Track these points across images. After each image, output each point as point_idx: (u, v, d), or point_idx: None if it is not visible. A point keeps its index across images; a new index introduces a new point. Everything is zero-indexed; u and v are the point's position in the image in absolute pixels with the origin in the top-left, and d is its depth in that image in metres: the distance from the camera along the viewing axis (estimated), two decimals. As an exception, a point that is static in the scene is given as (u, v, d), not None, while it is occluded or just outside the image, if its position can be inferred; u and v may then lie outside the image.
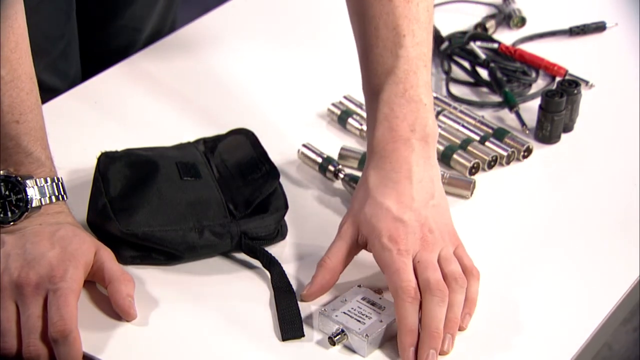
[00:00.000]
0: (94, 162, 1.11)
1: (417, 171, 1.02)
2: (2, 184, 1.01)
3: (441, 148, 1.21)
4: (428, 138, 1.04)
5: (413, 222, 1.00)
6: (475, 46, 1.39)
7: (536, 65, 1.37)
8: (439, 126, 1.25)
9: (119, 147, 1.14)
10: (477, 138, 1.24)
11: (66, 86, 1.31)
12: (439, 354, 0.96)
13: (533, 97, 1.32)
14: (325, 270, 1.02)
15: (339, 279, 1.02)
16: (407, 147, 1.03)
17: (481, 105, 1.32)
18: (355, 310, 0.99)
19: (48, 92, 1.26)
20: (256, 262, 1.06)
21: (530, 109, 1.29)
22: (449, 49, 1.39)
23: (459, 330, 0.98)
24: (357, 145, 1.23)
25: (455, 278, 0.98)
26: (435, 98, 1.31)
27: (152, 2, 1.45)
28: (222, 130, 1.19)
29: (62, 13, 1.32)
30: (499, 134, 1.25)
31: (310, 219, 1.13)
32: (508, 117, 1.30)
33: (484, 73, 1.36)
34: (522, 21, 1.48)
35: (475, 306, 1.00)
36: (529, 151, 1.24)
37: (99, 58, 1.42)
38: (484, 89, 1.35)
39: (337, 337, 0.97)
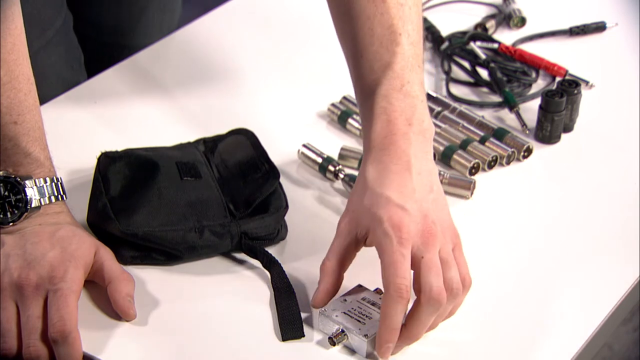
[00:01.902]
0: (94, 162, 1.11)
1: (416, 163, 1.01)
2: (1, 184, 1.01)
3: (441, 148, 1.21)
4: (425, 133, 1.03)
5: (416, 212, 0.98)
6: (475, 46, 1.39)
7: (536, 65, 1.37)
8: (439, 126, 1.25)
9: (119, 147, 1.14)
10: (477, 138, 1.24)
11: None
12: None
13: (533, 97, 1.32)
14: (327, 273, 1.01)
15: (343, 279, 1.01)
16: (405, 140, 1.02)
17: (481, 105, 1.32)
18: (355, 310, 0.99)
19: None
20: (256, 262, 1.06)
21: (530, 109, 1.29)
22: (449, 49, 1.39)
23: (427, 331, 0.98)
24: (357, 145, 1.23)
25: (452, 288, 0.97)
26: (435, 98, 1.31)
27: (157, 19, 1.46)
28: (222, 130, 1.19)
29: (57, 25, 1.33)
30: (499, 134, 1.25)
31: (310, 219, 1.13)
32: (508, 117, 1.30)
33: (484, 73, 1.36)
34: (522, 21, 1.48)
35: (451, 316, 1.00)
36: (529, 151, 1.24)
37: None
38: (484, 89, 1.35)
39: (337, 337, 0.97)
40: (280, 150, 1.20)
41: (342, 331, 0.97)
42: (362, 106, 1.06)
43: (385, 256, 0.96)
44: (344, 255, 1.01)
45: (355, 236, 1.00)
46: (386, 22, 1.05)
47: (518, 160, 1.24)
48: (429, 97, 1.31)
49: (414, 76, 1.04)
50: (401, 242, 0.96)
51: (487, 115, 1.30)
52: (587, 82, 1.35)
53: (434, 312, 0.96)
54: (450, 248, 1.00)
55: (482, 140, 1.24)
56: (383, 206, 0.98)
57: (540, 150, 1.25)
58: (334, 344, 0.97)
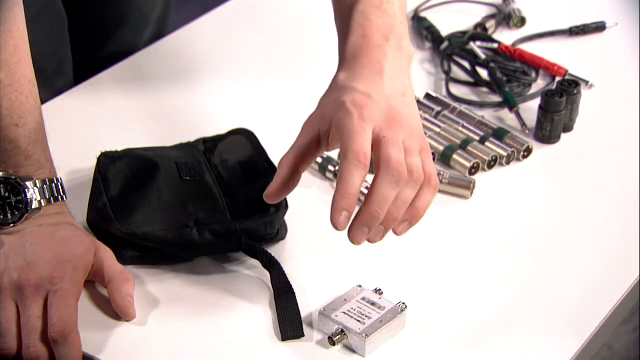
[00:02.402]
0: (94, 162, 1.11)
1: (389, 71, 0.96)
2: (1, 185, 1.01)
3: (441, 148, 1.21)
4: (403, 51, 0.99)
5: (381, 100, 0.93)
6: (475, 46, 1.39)
7: (536, 65, 1.37)
8: (439, 126, 1.25)
9: (119, 147, 1.14)
10: (477, 138, 1.24)
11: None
12: (366, 241, 0.92)
13: (533, 97, 1.32)
14: (283, 165, 0.95)
15: (301, 176, 0.96)
16: (380, 53, 0.97)
17: (481, 105, 1.32)
18: (355, 310, 0.99)
19: None
20: (256, 262, 1.06)
21: (530, 109, 1.29)
22: (449, 49, 1.39)
23: (393, 234, 0.94)
24: (357, 145, 1.23)
25: (412, 171, 0.91)
26: (435, 98, 1.31)
27: (143, 25, 1.45)
28: (222, 130, 1.19)
29: (54, 29, 1.31)
30: (499, 134, 1.25)
31: (310, 219, 1.13)
32: (508, 117, 1.30)
33: (484, 73, 1.36)
34: (522, 21, 1.48)
35: (419, 218, 0.94)
36: (529, 151, 1.24)
37: (94, 71, 1.42)
38: (484, 89, 1.35)
39: (337, 337, 0.97)
40: (280, 150, 1.20)
41: (342, 331, 0.97)
42: (339, 23, 1.02)
43: (345, 130, 0.91)
44: (304, 151, 0.96)
45: (318, 132, 0.95)
46: None
47: (518, 160, 1.24)
48: (429, 97, 1.31)
49: (394, 0, 1.01)
50: (362, 117, 0.91)
51: (487, 115, 1.30)
52: (587, 82, 1.35)
53: (394, 184, 0.90)
54: (415, 145, 0.94)
55: (482, 140, 1.24)
56: (348, 93, 0.94)
57: (540, 150, 1.25)
58: (333, 344, 0.97)
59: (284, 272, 1.04)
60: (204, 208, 1.07)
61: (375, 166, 0.92)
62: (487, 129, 1.26)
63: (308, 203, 1.16)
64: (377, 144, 0.92)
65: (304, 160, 0.96)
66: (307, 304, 1.02)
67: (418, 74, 1.37)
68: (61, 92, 1.33)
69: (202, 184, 1.09)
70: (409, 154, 0.92)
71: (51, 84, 1.33)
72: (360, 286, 1.02)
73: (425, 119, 1.26)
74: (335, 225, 0.90)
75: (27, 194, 1.01)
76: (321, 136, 0.96)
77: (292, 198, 1.11)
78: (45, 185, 1.02)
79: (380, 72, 0.96)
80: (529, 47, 1.42)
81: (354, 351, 0.97)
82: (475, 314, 1.02)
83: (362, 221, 0.91)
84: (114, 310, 0.99)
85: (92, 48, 1.44)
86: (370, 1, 1.00)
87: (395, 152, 0.91)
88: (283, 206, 1.09)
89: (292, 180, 0.96)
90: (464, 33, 1.43)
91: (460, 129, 1.26)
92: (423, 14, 1.48)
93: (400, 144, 0.92)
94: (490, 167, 1.22)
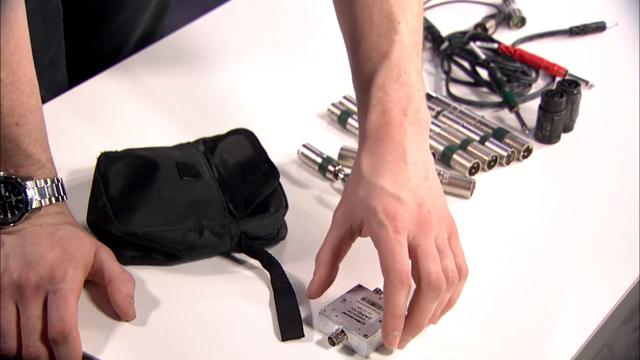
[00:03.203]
0: (94, 162, 1.11)
1: (410, 153, 1.00)
2: (2, 185, 1.01)
3: (441, 148, 1.21)
4: (421, 123, 1.02)
5: (410, 201, 0.98)
6: (475, 46, 1.39)
7: (536, 65, 1.37)
8: (439, 126, 1.25)
9: (119, 147, 1.14)
10: (477, 138, 1.24)
11: (51, 95, 1.30)
12: None
13: (533, 97, 1.32)
14: (321, 264, 1.00)
15: (338, 269, 1.01)
16: (400, 130, 1.01)
17: (481, 105, 1.32)
18: (355, 310, 0.99)
19: None
20: (256, 262, 1.06)
21: (530, 109, 1.29)
22: (449, 49, 1.39)
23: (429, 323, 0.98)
24: (357, 145, 1.23)
25: (447, 276, 0.97)
26: (435, 98, 1.31)
27: (143, 5, 1.45)
28: (222, 130, 1.19)
29: (49, 24, 1.31)
30: (499, 134, 1.25)
31: (310, 219, 1.13)
32: (508, 117, 1.30)
33: (484, 73, 1.36)
34: (522, 21, 1.48)
35: (452, 307, 1.00)
36: (528, 151, 1.24)
37: (87, 63, 1.41)
38: (484, 89, 1.35)
39: (337, 337, 0.97)
40: (280, 150, 1.20)
41: (342, 331, 0.97)
42: (359, 95, 1.06)
43: (382, 245, 0.96)
44: (339, 246, 1.00)
45: (350, 227, 1.00)
46: (385, 10, 1.04)
47: (518, 160, 1.24)
48: (429, 97, 1.31)
49: (411, 65, 1.03)
50: (397, 230, 0.96)
51: (487, 115, 1.30)
52: (587, 82, 1.35)
53: (435, 298, 0.95)
54: (445, 237, 0.99)
55: (482, 140, 1.24)
56: (377, 196, 0.98)
57: (540, 150, 1.25)
58: (333, 344, 0.97)
59: (284, 272, 1.04)
60: (203, 208, 1.07)
61: (414, 277, 0.96)
62: (487, 129, 1.26)
63: (308, 203, 1.16)
64: (413, 252, 0.96)
65: (339, 255, 1.01)
66: (307, 304, 1.02)
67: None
68: (54, 86, 1.33)
69: (202, 184, 1.09)
70: (442, 255, 0.97)
71: (44, 77, 1.33)
72: (360, 286, 1.02)
73: (425, 119, 1.26)
74: (389, 345, 0.96)
75: (27, 194, 1.01)
76: (354, 230, 1.00)
77: (292, 198, 1.11)
78: (45, 185, 1.02)
79: (403, 156, 1.00)
80: (529, 47, 1.42)
81: (354, 351, 0.97)
82: (475, 313, 1.02)
83: (408, 333, 0.97)
84: (114, 310, 0.99)
85: (86, 39, 1.44)
86: (388, 74, 1.03)
87: (432, 265, 0.96)
88: (283, 206, 1.09)
89: (330, 276, 1.01)
90: (464, 33, 1.43)
91: (460, 129, 1.26)
92: (423, 14, 1.48)
93: (434, 250, 0.97)
94: (490, 167, 1.22)
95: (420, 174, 1.00)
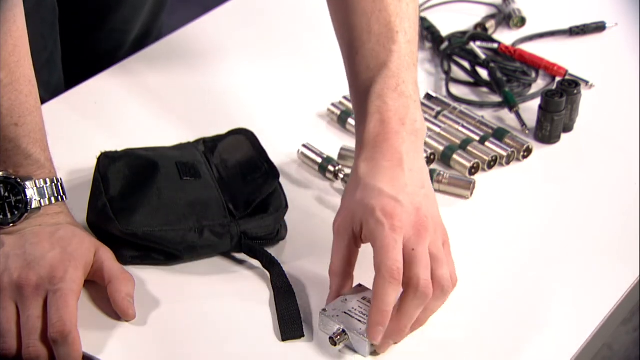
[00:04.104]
0: (94, 162, 1.11)
1: (407, 161, 1.01)
2: (1, 185, 1.01)
3: (441, 148, 1.21)
4: (417, 133, 1.03)
5: (408, 204, 0.98)
6: (475, 46, 1.39)
7: (536, 65, 1.37)
8: (439, 126, 1.25)
9: (119, 147, 1.14)
10: (477, 138, 1.24)
11: (48, 95, 1.30)
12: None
13: (533, 97, 1.32)
14: (334, 275, 1.00)
15: (353, 278, 1.01)
16: (397, 139, 1.02)
17: (481, 105, 1.32)
18: (355, 310, 0.99)
19: None
20: (256, 262, 1.06)
21: (530, 109, 1.29)
22: (449, 49, 1.39)
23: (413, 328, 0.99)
24: (357, 145, 1.23)
25: (442, 285, 0.96)
26: (435, 98, 1.31)
27: (141, 4, 1.45)
28: (222, 130, 1.19)
29: (46, 24, 1.31)
30: (499, 134, 1.25)
31: (310, 219, 1.13)
32: (508, 117, 1.30)
33: (484, 73, 1.36)
34: (522, 21, 1.48)
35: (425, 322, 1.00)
36: (528, 151, 1.24)
37: (86, 62, 1.41)
38: (484, 89, 1.35)
39: (338, 337, 0.97)
40: (280, 150, 1.20)
41: (343, 331, 0.97)
42: (356, 103, 1.06)
43: (377, 242, 0.96)
44: (347, 255, 1.00)
45: (352, 232, 1.00)
46: (384, 20, 1.04)
47: (518, 160, 1.24)
48: (429, 97, 1.31)
49: (408, 75, 1.04)
50: (394, 229, 0.96)
51: (487, 115, 1.30)
52: (587, 82, 1.35)
53: (420, 305, 0.95)
54: (440, 244, 0.99)
55: (482, 140, 1.24)
56: (376, 197, 0.98)
57: (540, 150, 1.25)
58: (335, 344, 0.97)
59: (284, 272, 1.04)
60: (203, 208, 1.07)
61: (403, 282, 0.96)
62: (487, 129, 1.26)
63: (308, 203, 1.16)
64: (406, 255, 0.96)
65: (350, 264, 1.01)
66: (307, 304, 1.02)
67: (418, 74, 1.37)
68: (51, 85, 1.33)
69: (202, 184, 1.09)
70: (438, 263, 0.97)
71: (41, 77, 1.33)
72: (360, 286, 1.02)
73: (426, 119, 1.26)
74: (372, 339, 0.95)
75: (27, 194, 1.01)
76: (356, 236, 1.00)
77: (292, 198, 1.11)
78: (45, 185, 1.02)
79: (400, 164, 1.00)
80: (529, 47, 1.42)
81: (355, 351, 0.97)
82: (475, 313, 1.02)
83: (390, 336, 0.97)
84: (114, 310, 0.99)
85: (85, 38, 1.44)
86: (387, 83, 1.03)
87: (422, 272, 0.95)
88: (283, 206, 1.09)
89: (345, 286, 1.01)
90: (464, 33, 1.43)
91: (460, 129, 1.26)
92: (423, 14, 1.48)
93: (427, 257, 0.97)
94: (490, 167, 1.22)
95: (417, 181, 1.00)
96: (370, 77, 1.04)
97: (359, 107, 1.05)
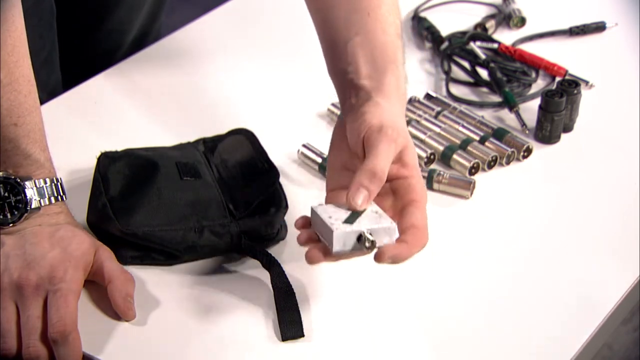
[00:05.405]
0: (94, 162, 1.11)
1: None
2: (1, 185, 1.01)
3: (441, 148, 1.21)
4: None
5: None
6: (475, 46, 1.39)
7: (536, 65, 1.37)
8: (439, 126, 1.25)
9: (119, 147, 1.14)
10: (477, 138, 1.24)
11: (46, 95, 1.29)
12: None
13: (533, 97, 1.32)
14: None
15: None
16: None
17: (481, 105, 1.32)
18: (359, 212, 0.93)
19: None
20: (256, 262, 1.06)
21: (530, 109, 1.29)
22: (449, 49, 1.39)
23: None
24: (357, 145, 1.23)
25: None
26: (435, 98, 1.31)
27: (139, 4, 1.45)
28: (222, 130, 1.19)
29: (44, 24, 1.31)
30: (499, 134, 1.25)
31: (310, 219, 1.13)
32: (508, 117, 1.30)
33: (484, 73, 1.36)
34: (522, 21, 1.48)
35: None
36: (528, 151, 1.24)
37: (85, 62, 1.41)
38: (484, 89, 1.35)
39: (365, 242, 0.91)
40: (280, 150, 1.20)
41: (368, 234, 0.91)
42: (337, 58, 1.07)
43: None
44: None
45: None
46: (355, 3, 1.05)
47: (518, 160, 1.24)
48: (429, 97, 1.31)
49: (391, 28, 1.04)
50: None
51: (487, 115, 1.30)
52: (587, 82, 1.35)
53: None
54: None
55: (482, 140, 1.24)
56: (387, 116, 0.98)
57: (540, 150, 1.25)
58: (370, 249, 0.90)
59: (284, 272, 1.04)
60: (203, 208, 1.07)
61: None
62: (487, 129, 1.26)
63: (308, 203, 1.15)
64: None
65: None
66: (307, 304, 1.02)
67: (418, 74, 1.38)
68: (48, 85, 1.33)
69: (202, 184, 1.09)
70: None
71: (39, 77, 1.33)
72: (320, 205, 0.97)
73: (425, 119, 1.26)
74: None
75: (27, 194, 1.01)
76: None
77: (292, 198, 1.11)
78: (44, 185, 1.02)
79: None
80: (529, 47, 1.42)
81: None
82: (475, 313, 1.02)
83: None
84: (114, 310, 0.99)
85: (84, 38, 1.44)
86: (368, 30, 1.02)
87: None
88: (283, 206, 1.09)
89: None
90: (464, 33, 1.43)
91: (460, 129, 1.26)
92: (423, 14, 1.48)
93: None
94: (490, 167, 1.22)
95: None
96: (347, 36, 1.04)
97: (341, 56, 1.06)
